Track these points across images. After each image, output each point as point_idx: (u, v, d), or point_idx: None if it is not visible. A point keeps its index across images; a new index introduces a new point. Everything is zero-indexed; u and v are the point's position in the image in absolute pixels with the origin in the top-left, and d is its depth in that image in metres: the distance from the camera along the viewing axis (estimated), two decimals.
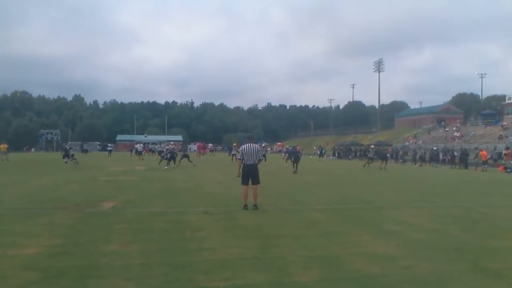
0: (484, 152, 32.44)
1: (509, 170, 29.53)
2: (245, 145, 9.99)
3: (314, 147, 39.24)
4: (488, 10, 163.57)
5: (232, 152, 35.82)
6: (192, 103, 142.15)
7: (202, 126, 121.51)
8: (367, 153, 31.10)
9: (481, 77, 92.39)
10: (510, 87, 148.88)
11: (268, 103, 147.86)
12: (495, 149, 38.86)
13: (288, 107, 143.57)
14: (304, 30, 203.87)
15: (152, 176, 19.70)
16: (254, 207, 9.65)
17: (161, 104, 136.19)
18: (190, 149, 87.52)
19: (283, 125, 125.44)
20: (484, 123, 61.73)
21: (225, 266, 5.23)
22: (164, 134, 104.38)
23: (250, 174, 9.77)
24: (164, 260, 5.50)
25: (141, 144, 46.30)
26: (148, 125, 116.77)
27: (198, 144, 65.18)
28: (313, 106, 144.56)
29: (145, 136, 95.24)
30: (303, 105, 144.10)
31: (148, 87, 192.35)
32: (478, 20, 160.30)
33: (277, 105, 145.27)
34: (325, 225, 8.05)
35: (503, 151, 36.30)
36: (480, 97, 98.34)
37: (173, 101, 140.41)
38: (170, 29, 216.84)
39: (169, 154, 26.31)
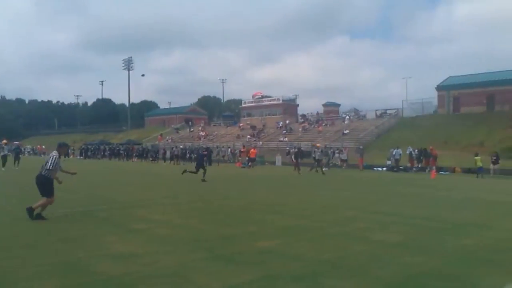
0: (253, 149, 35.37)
1: (244, 165, 33.73)
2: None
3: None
4: (231, 21, 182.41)
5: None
6: None
7: None
8: (313, 155, 28.20)
9: (223, 82, 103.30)
10: (245, 92, 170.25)
11: (1, 97, 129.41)
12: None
13: (27, 102, 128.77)
14: (47, 19, 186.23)
15: None
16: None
17: None
18: None
19: (22, 122, 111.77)
20: (225, 124, 68.87)
21: None
22: None
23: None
24: None
25: None
26: None
27: None
28: (58, 101, 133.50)
29: None
30: (46, 100, 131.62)
31: None
32: (224, 29, 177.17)
33: (14, 99, 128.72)
34: (66, 230, 7.53)
35: (241, 149, 41.16)
36: (222, 100, 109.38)
37: None
38: None
39: None
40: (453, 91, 50.87)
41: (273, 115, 64.10)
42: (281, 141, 49.64)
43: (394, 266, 5.46)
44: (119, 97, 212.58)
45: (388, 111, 53.22)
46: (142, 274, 5.00)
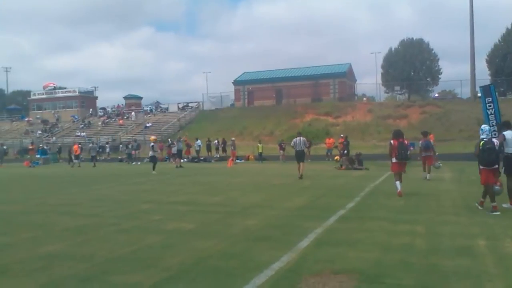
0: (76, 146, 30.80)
1: (34, 164, 30.44)
2: (296, 138, 15.95)
3: None
4: (21, 1, 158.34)
5: None
6: None
7: None
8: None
9: (7, 71, 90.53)
10: (35, 83, 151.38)
11: None
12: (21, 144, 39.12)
13: None
14: None
15: None
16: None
17: None
18: None
19: None
20: (10, 118, 61.01)
21: None
22: None
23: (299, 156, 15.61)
24: None
25: None
26: None
27: None
28: None
29: None
30: None
31: None
32: (11, 8, 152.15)
33: None
34: None
35: (29, 146, 37.01)
36: (6, 92, 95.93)
37: None
38: None
39: None
40: (248, 86, 55.33)
41: (69, 108, 59.46)
42: (79, 136, 46.47)
43: (185, 253, 5.64)
44: None
45: (190, 104, 54.76)
46: None
